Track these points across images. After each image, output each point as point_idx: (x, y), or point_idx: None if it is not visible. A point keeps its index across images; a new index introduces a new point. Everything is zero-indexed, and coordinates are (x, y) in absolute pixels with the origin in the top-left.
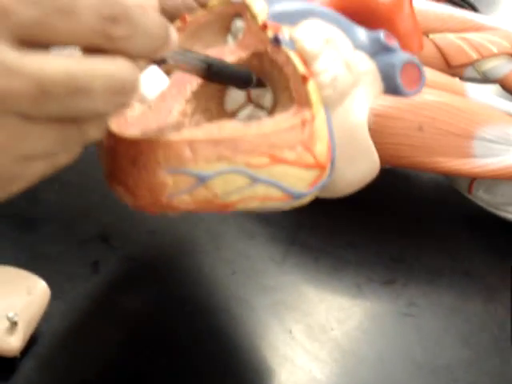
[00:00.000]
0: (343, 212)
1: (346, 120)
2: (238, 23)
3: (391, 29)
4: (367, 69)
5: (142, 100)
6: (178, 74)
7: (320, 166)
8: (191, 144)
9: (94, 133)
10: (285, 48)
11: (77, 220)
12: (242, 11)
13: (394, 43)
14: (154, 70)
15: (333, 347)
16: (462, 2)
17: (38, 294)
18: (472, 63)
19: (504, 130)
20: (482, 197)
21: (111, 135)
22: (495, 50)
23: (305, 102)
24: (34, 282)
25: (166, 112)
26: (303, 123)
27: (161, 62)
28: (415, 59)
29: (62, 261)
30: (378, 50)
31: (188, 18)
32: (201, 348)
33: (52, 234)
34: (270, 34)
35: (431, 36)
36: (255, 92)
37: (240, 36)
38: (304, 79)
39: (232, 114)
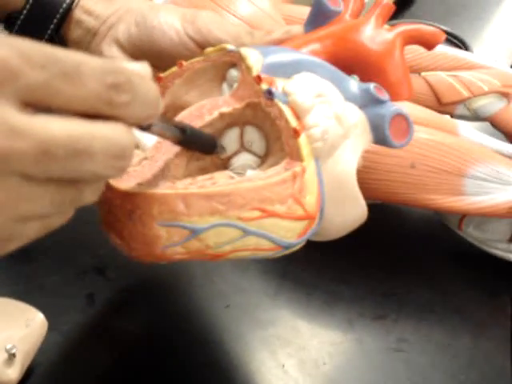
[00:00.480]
0: (335, 247)
1: (336, 171)
2: (233, 72)
3: (382, 75)
4: (357, 121)
5: (143, 148)
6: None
7: (309, 217)
8: (185, 198)
9: (90, 196)
10: (278, 101)
11: (73, 252)
12: (237, 61)
13: (383, 95)
14: None
15: (325, 382)
16: (453, 39)
17: (35, 326)
18: (463, 101)
19: (495, 168)
20: (472, 233)
21: (108, 186)
22: (486, 89)
23: (296, 155)
24: (32, 315)
25: (161, 162)
26: (294, 177)
27: (146, 129)
28: (404, 112)
29: (58, 292)
30: (367, 102)
31: (184, 63)
32: (194, 381)
33: (49, 266)
34: (263, 86)
35: (423, 74)
36: (248, 139)
37: (235, 86)
38: (296, 133)
39: (226, 161)
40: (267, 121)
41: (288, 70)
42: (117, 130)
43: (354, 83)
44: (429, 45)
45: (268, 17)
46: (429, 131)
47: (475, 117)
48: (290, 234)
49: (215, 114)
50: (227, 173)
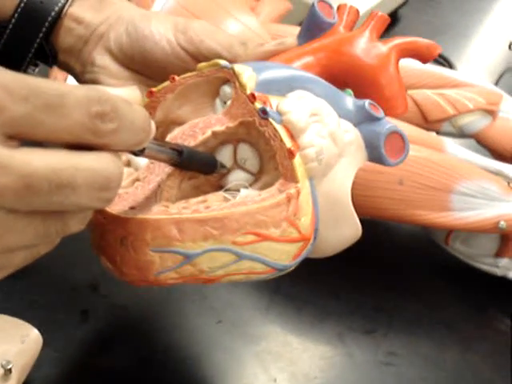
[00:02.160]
0: (324, 263)
1: (331, 190)
2: (227, 89)
3: (376, 89)
4: (352, 139)
5: (136, 166)
6: None
7: (304, 239)
8: (178, 224)
9: (76, 225)
10: (272, 121)
11: (67, 268)
12: (231, 77)
13: (379, 112)
14: None
15: None
16: (438, 58)
17: (31, 342)
18: (449, 118)
19: (481, 184)
20: (458, 248)
21: (100, 210)
22: (471, 106)
23: (290, 176)
24: (27, 331)
25: (154, 184)
26: (288, 199)
27: (139, 153)
28: (399, 129)
29: (52, 308)
30: (362, 119)
31: (177, 78)
32: None
33: (43, 282)
34: (257, 105)
35: (409, 92)
36: (242, 156)
37: (228, 103)
38: (290, 154)
39: (219, 178)
40: (261, 139)
41: (282, 87)
42: (102, 160)
43: (349, 100)
44: (424, 58)
45: (256, 36)
46: (416, 148)
47: (461, 134)
48: (285, 256)
49: (208, 132)
50: (221, 194)
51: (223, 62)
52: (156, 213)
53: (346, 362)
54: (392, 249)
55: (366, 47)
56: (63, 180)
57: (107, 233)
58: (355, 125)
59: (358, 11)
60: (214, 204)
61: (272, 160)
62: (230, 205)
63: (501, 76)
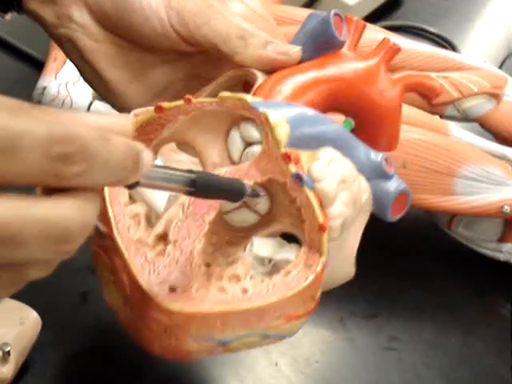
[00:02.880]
0: None
1: (342, 248)
2: (252, 130)
3: (380, 127)
4: (367, 198)
5: (157, 215)
6: (194, 203)
7: (317, 302)
8: (223, 316)
9: (35, 274)
10: (306, 188)
11: None
12: (260, 122)
13: (391, 169)
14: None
15: (317, 379)
16: (441, 41)
17: (29, 324)
18: (453, 102)
19: (486, 168)
20: (461, 233)
21: (138, 289)
22: (475, 90)
23: (316, 248)
24: (26, 313)
25: (187, 251)
26: (317, 279)
27: (133, 187)
28: (407, 187)
29: (51, 291)
30: (375, 175)
31: (193, 100)
32: (185, 375)
33: None
34: (292, 169)
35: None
36: (256, 200)
37: (254, 150)
38: (321, 229)
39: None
40: (286, 198)
41: (312, 142)
42: (60, 209)
43: (364, 151)
44: (426, 97)
45: (259, 17)
46: (420, 131)
47: (464, 117)
48: (299, 326)
49: None
50: (249, 262)
51: (252, 101)
52: (199, 299)
53: (347, 346)
54: (394, 233)
55: (380, 88)
56: (8, 234)
57: (150, 320)
58: (367, 179)
59: (364, 26)
60: (248, 284)
61: (289, 217)
62: (270, 292)
63: (504, 60)
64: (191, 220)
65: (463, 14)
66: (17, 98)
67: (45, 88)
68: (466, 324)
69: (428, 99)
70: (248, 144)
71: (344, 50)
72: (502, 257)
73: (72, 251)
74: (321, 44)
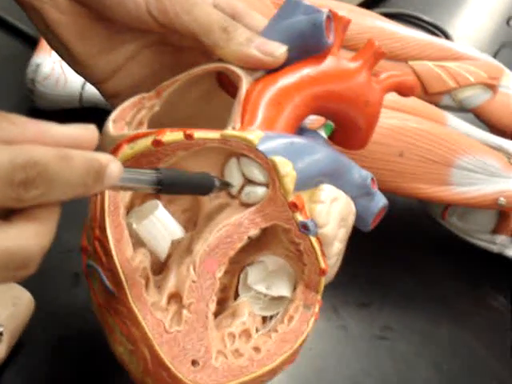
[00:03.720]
0: None
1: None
2: (255, 170)
3: (358, 124)
4: (353, 219)
5: (160, 257)
6: (205, 261)
7: None
8: None
9: None
10: (311, 237)
11: (59, 232)
12: (266, 166)
13: (375, 187)
14: (163, 219)
15: (310, 367)
16: (435, 30)
17: (22, 305)
18: (449, 91)
19: (482, 159)
20: (455, 223)
21: (163, 367)
22: (472, 80)
23: (313, 288)
24: (19, 293)
25: (201, 313)
26: (315, 319)
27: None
28: (386, 203)
29: (43, 271)
30: (361, 194)
31: (195, 136)
32: None
33: None
34: (299, 217)
35: (410, 63)
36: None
37: (259, 193)
38: (322, 273)
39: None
40: (284, 237)
41: (314, 181)
42: (22, 238)
43: (357, 173)
44: (405, 95)
45: (257, 0)
46: (418, 120)
47: (460, 108)
48: None
49: (245, 239)
50: (246, 300)
51: (259, 145)
52: (221, 372)
53: (340, 334)
54: (388, 222)
55: (362, 92)
56: None
57: None
58: (352, 197)
59: (349, 21)
60: (259, 341)
61: (280, 242)
62: (280, 349)
63: (497, 51)
64: (203, 280)
65: (457, 3)
66: (10, 76)
67: (39, 65)
68: (458, 315)
69: (404, 96)
70: (248, 180)
71: (330, 51)
72: (495, 248)
73: (27, 275)
74: (308, 47)
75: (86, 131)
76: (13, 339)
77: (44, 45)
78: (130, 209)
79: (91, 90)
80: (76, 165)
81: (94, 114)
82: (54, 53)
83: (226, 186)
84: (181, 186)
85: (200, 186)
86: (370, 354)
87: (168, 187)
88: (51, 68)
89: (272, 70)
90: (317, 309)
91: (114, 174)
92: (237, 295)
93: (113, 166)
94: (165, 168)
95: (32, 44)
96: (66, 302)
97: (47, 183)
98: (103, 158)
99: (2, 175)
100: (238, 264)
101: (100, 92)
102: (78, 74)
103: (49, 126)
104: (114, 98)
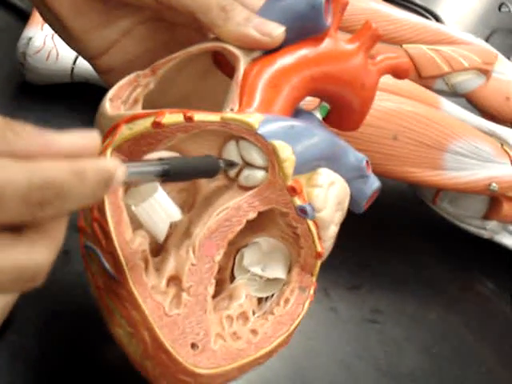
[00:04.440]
0: None
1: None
2: (254, 153)
3: (352, 106)
4: (348, 200)
5: (158, 240)
6: (204, 245)
7: None
8: (241, 368)
9: None
10: (309, 221)
11: None
12: (266, 150)
13: (369, 169)
14: (161, 201)
15: (299, 349)
16: (426, 13)
17: None
18: (443, 75)
19: (475, 144)
20: (446, 208)
21: (163, 350)
22: (466, 65)
23: (309, 270)
24: None
25: (201, 296)
26: (310, 302)
27: None
28: (379, 185)
29: None
30: (356, 176)
31: (195, 118)
32: None
33: None
34: (297, 201)
35: (404, 46)
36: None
37: (258, 176)
38: (318, 256)
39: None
40: (280, 219)
41: (312, 165)
42: (34, 254)
43: (353, 156)
44: (399, 77)
45: None
46: (412, 104)
47: (453, 92)
48: None
49: (243, 222)
50: (242, 282)
51: (260, 129)
52: (220, 355)
53: (330, 316)
54: (379, 206)
55: (359, 74)
56: None
57: (175, 380)
58: (347, 180)
59: (347, 3)
60: (257, 324)
61: (276, 225)
62: (277, 332)
63: (489, 36)
64: (202, 263)
65: None
66: (1, 49)
67: (30, 39)
68: (447, 299)
69: (399, 78)
70: (246, 163)
71: (328, 33)
72: (485, 234)
73: (37, 285)
74: (306, 29)
75: (89, 140)
76: (2, 316)
77: (36, 18)
78: (126, 189)
79: (83, 65)
80: (88, 178)
81: (85, 90)
82: (45, 26)
83: (230, 165)
84: (187, 173)
85: (205, 170)
86: (360, 336)
87: (174, 176)
88: (43, 42)
89: (269, 51)
90: (312, 291)
91: (119, 179)
92: (232, 276)
93: (119, 172)
94: (168, 156)
95: (23, 17)
96: (56, 278)
97: (62, 200)
98: (111, 165)
99: (18, 195)
100: (233, 245)
101: (93, 67)
102: (72, 48)
103: (53, 137)
104: (107, 74)
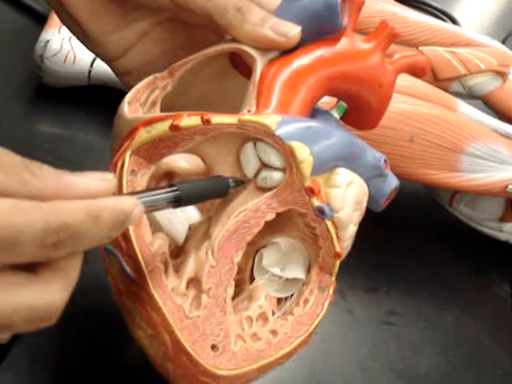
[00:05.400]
0: None
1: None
2: (272, 156)
3: (371, 105)
4: (366, 200)
5: (178, 242)
6: (223, 247)
7: None
8: (261, 369)
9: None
10: (327, 221)
11: None
12: (284, 151)
13: (387, 168)
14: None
15: (316, 351)
16: (443, 16)
17: None
18: (459, 77)
19: (491, 146)
20: (462, 210)
21: (184, 352)
22: (482, 67)
23: (328, 269)
24: None
25: (220, 298)
26: (330, 302)
27: None
28: (398, 183)
29: None
30: (374, 175)
31: (212, 121)
32: None
33: None
34: (315, 202)
35: (421, 48)
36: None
37: (275, 177)
38: (337, 256)
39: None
40: (299, 219)
41: (330, 166)
42: (48, 294)
43: (371, 155)
44: (417, 75)
45: None
46: (429, 106)
47: (469, 94)
48: None
49: (262, 224)
50: (262, 283)
51: (276, 130)
52: (241, 356)
53: (347, 318)
54: (395, 208)
55: (376, 73)
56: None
57: (196, 381)
58: (366, 179)
59: (363, 2)
60: (276, 325)
61: (295, 225)
62: (296, 332)
63: (505, 39)
64: (221, 264)
65: None
66: (19, 52)
67: (48, 41)
68: (463, 302)
69: (417, 77)
70: (264, 165)
71: (344, 33)
72: (502, 236)
73: (51, 324)
74: (322, 29)
75: (105, 183)
76: None
77: (53, 21)
78: None
79: (100, 67)
80: (105, 220)
81: (102, 92)
82: (63, 29)
83: (240, 183)
84: (198, 196)
85: (216, 191)
86: (376, 338)
87: (185, 201)
88: (60, 45)
89: (286, 51)
90: (331, 291)
91: (136, 218)
92: (251, 276)
93: (136, 210)
94: (178, 182)
95: (41, 20)
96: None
97: (77, 241)
98: (128, 206)
99: (34, 238)
100: (252, 246)
101: (112, 69)
102: (91, 51)
103: (69, 179)
104: (126, 76)
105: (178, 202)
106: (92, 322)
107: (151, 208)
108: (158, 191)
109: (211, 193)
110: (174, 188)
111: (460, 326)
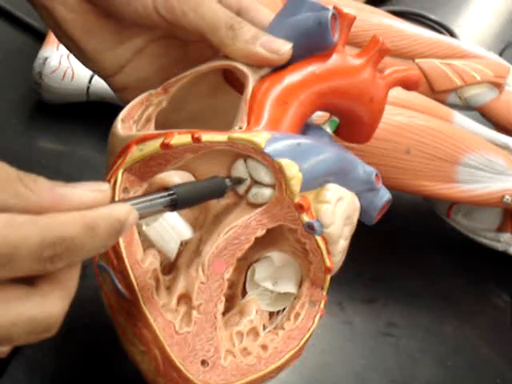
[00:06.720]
0: None
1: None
2: (262, 173)
3: (362, 120)
4: (358, 214)
5: (169, 258)
6: (214, 263)
7: None
8: (251, 383)
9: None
10: (317, 236)
11: None
12: (273, 168)
13: (379, 182)
14: (172, 220)
15: (314, 363)
16: (441, 29)
17: None
18: (455, 89)
19: (488, 157)
20: (460, 221)
21: (174, 368)
22: (478, 78)
23: (319, 284)
24: None
25: (210, 314)
26: (320, 316)
27: None
28: (390, 197)
29: None
30: (366, 189)
31: (202, 139)
32: None
33: None
34: (305, 218)
35: (417, 60)
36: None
37: (266, 194)
38: (328, 271)
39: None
40: (290, 235)
41: (319, 182)
42: (47, 305)
43: (362, 170)
44: (410, 89)
45: None
46: (425, 118)
47: (466, 106)
48: None
49: (252, 240)
50: (253, 297)
51: (265, 148)
52: (230, 371)
53: (345, 330)
54: (393, 219)
55: (367, 88)
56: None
57: None
58: (357, 193)
59: (354, 18)
60: (267, 340)
61: (286, 240)
62: (287, 346)
63: (503, 50)
64: (212, 281)
65: (462, 1)
66: (17, 69)
67: (46, 58)
68: (462, 312)
69: (410, 90)
70: (255, 181)
71: (335, 49)
72: (500, 247)
73: (51, 336)
74: (314, 45)
75: (100, 193)
76: None
77: (51, 39)
78: None
79: (98, 83)
80: (100, 232)
81: (101, 108)
82: (61, 47)
83: (238, 183)
84: (194, 199)
85: (213, 192)
86: (375, 349)
87: (182, 204)
88: (58, 62)
89: (278, 68)
90: (322, 305)
91: (130, 224)
92: (244, 291)
93: (130, 217)
94: (174, 185)
95: (39, 38)
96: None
97: (73, 253)
98: (122, 214)
99: (30, 252)
100: (244, 260)
101: (109, 86)
102: (88, 68)
103: (64, 191)
104: (122, 92)
105: (174, 206)
106: (91, 335)
107: (148, 213)
108: (155, 195)
109: (207, 194)
110: (170, 192)
111: (458, 336)
